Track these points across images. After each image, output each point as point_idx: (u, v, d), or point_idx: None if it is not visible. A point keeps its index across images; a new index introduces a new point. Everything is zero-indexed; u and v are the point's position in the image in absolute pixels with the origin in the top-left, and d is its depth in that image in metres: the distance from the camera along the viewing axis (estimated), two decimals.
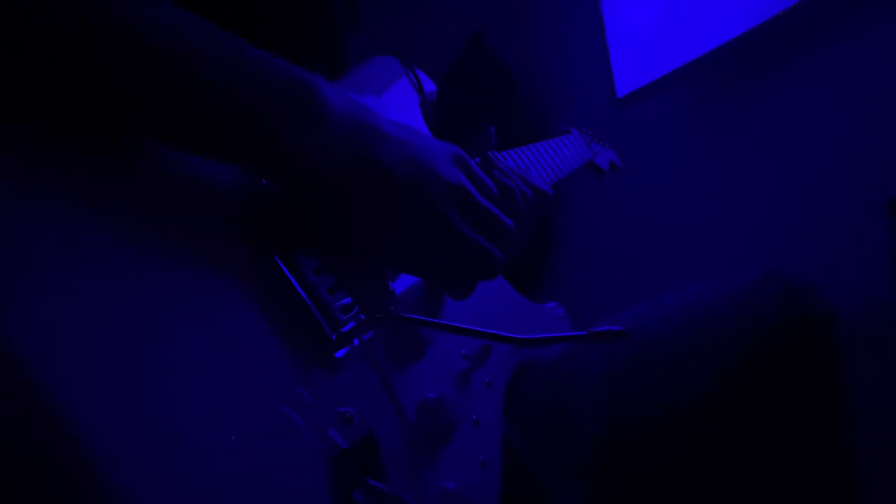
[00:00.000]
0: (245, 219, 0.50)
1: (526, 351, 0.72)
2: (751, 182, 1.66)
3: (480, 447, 0.61)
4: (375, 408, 0.52)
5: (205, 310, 0.44)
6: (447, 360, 0.62)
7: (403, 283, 0.61)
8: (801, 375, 0.65)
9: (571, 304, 0.87)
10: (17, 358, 0.34)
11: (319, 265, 0.52)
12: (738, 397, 0.65)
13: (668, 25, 1.80)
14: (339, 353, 0.51)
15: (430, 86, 0.79)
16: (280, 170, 0.48)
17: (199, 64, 0.44)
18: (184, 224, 0.46)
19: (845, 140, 1.43)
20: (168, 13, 0.44)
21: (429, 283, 0.63)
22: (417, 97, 0.77)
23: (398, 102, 0.74)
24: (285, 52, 0.49)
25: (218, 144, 0.46)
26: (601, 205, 2.11)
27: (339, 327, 0.51)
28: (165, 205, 0.45)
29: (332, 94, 0.50)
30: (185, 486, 0.37)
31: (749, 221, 1.65)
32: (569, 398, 0.73)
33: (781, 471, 0.63)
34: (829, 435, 0.65)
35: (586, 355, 0.73)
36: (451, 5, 2.31)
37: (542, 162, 0.90)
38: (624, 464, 0.67)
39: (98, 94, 0.41)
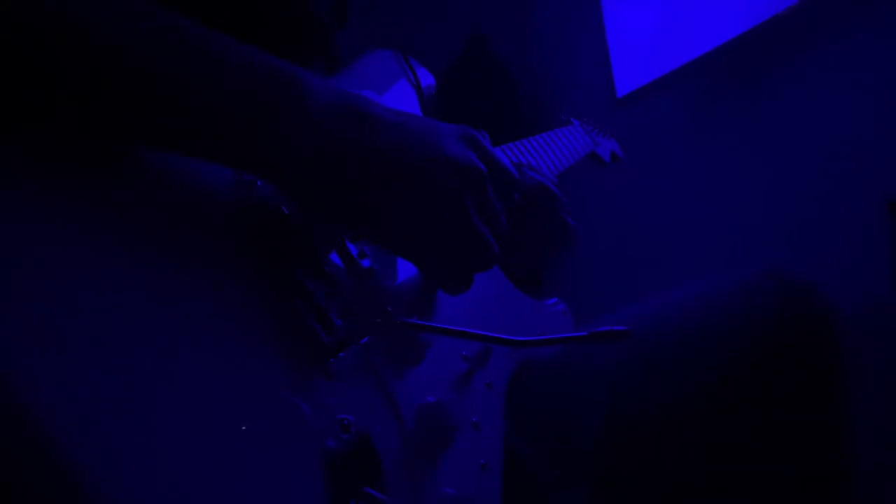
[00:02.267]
0: (241, 224, 0.49)
1: (526, 350, 0.72)
2: (750, 182, 1.67)
3: (481, 450, 0.61)
4: (374, 414, 0.52)
5: (200, 315, 0.43)
6: (447, 363, 0.62)
7: (399, 284, 0.60)
8: (800, 373, 0.64)
9: (571, 302, 0.87)
10: (10, 369, 0.33)
11: (315, 270, 0.52)
12: (737, 396, 0.65)
13: (668, 25, 1.80)
14: (336, 359, 0.50)
15: (427, 79, 0.78)
16: (268, 166, 0.47)
17: (184, 60, 0.43)
18: (179, 229, 0.45)
19: (845, 140, 1.43)
20: (147, 12, 0.44)
21: (426, 277, 0.62)
22: (415, 91, 0.76)
23: (397, 97, 0.73)
24: (269, 48, 0.48)
25: (202, 143, 0.45)
26: (602, 204, 2.11)
27: (335, 332, 0.50)
28: (162, 209, 0.45)
29: (316, 84, 0.49)
30: (179, 493, 0.37)
31: (749, 221, 1.65)
32: (569, 397, 0.73)
33: (782, 469, 0.63)
34: (829, 433, 0.65)
35: (587, 355, 0.73)
36: (451, 5, 2.30)
37: (544, 154, 0.89)
38: (625, 463, 0.67)
39: (79, 95, 0.41)
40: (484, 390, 0.65)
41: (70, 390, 0.35)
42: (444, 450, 0.56)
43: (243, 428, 0.41)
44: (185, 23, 0.45)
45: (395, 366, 0.56)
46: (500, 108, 2.27)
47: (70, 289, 0.37)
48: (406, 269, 0.61)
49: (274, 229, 0.51)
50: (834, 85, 1.47)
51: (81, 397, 0.35)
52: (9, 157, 0.39)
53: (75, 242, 0.39)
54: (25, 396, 0.33)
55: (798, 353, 0.65)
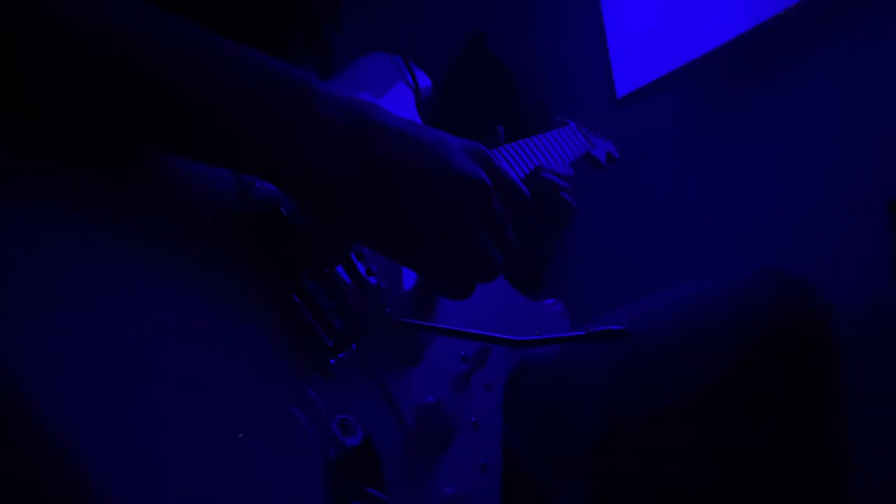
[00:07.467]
0: (240, 224, 0.49)
1: (525, 350, 0.72)
2: (750, 182, 1.67)
3: (480, 450, 0.61)
4: (374, 414, 0.52)
5: (200, 317, 0.43)
6: (446, 363, 0.62)
7: (400, 286, 0.61)
8: (799, 372, 0.64)
9: (570, 302, 0.87)
10: (13, 371, 0.33)
11: (315, 271, 0.52)
12: (736, 395, 0.65)
13: (668, 25, 1.80)
14: (336, 360, 0.51)
15: (425, 81, 0.78)
16: (272, 169, 0.48)
17: (190, 65, 0.43)
18: (178, 229, 0.45)
19: (845, 140, 1.43)
20: (154, 15, 0.44)
21: (427, 284, 0.62)
22: (413, 93, 0.76)
23: (394, 99, 0.73)
24: (264, 45, 0.48)
25: (207, 145, 0.46)
26: (601, 204, 2.11)
27: (335, 333, 0.50)
28: (160, 209, 0.45)
29: (325, 91, 0.49)
30: (180, 492, 0.37)
31: (748, 221, 1.65)
32: (568, 397, 0.73)
33: (780, 468, 0.63)
34: (827, 432, 0.65)
35: (585, 354, 0.73)
36: (451, 5, 2.30)
37: (539, 156, 0.89)
38: (623, 464, 0.67)
39: (86, 98, 0.41)
40: (483, 390, 0.65)
41: (72, 393, 0.35)
42: (444, 450, 0.57)
43: (244, 428, 0.41)
44: (192, 27, 0.45)
45: (394, 366, 0.56)
46: (500, 108, 2.27)
47: (71, 290, 0.38)
48: (409, 273, 0.62)
49: (272, 230, 0.51)
50: (834, 85, 1.47)
51: (82, 401, 0.35)
52: (11, 158, 0.39)
53: (76, 243, 0.39)
54: (28, 397, 0.33)
55: (796, 352, 0.65)
